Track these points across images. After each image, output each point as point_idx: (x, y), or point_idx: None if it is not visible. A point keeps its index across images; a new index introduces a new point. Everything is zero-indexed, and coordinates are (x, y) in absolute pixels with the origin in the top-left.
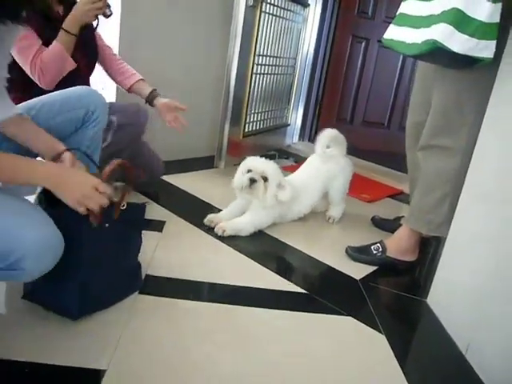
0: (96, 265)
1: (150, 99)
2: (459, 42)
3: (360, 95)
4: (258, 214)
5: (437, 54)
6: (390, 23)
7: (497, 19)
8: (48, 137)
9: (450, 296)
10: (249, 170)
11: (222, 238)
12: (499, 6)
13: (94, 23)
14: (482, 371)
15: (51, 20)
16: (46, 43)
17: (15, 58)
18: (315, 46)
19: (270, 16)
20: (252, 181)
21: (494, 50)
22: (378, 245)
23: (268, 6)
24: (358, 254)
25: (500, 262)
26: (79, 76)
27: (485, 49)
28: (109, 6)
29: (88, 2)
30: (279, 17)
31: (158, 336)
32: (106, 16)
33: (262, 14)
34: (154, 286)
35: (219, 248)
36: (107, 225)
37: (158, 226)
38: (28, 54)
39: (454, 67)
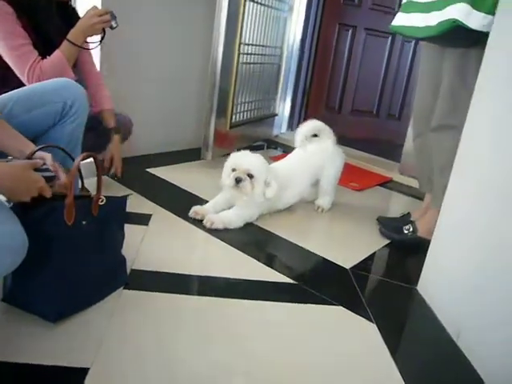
0: (75, 265)
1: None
2: (476, 20)
3: (348, 83)
4: (247, 207)
5: (452, 33)
6: (376, 10)
7: None
8: (18, 136)
9: (440, 283)
10: (233, 169)
11: (209, 231)
12: None
13: (100, 36)
14: (473, 358)
15: (49, 40)
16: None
17: (9, 62)
18: (302, 34)
19: (255, 4)
20: (237, 180)
21: None
22: (410, 225)
23: None
24: (391, 233)
25: (488, 248)
26: None
27: None
28: (114, 18)
29: (95, 15)
30: (264, 5)
31: (143, 332)
32: (112, 28)
33: (247, 2)
34: (140, 281)
35: (207, 240)
36: (84, 222)
37: (143, 219)
38: (27, 60)
39: (464, 45)
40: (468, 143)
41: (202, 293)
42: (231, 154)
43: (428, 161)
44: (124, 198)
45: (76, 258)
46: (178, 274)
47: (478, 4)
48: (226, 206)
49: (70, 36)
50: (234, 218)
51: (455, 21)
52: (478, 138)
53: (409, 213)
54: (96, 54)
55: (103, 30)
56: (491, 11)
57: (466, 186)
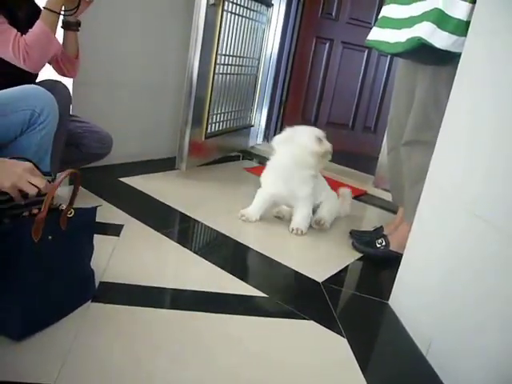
0: (39, 281)
1: (65, 24)
2: (441, 39)
3: (324, 96)
4: (308, 198)
5: (419, 50)
6: (353, 24)
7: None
8: None
9: (410, 297)
10: (319, 138)
11: (183, 243)
12: (475, 6)
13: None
14: (442, 372)
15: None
16: None
17: None
18: (279, 46)
19: (233, 15)
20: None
21: None
22: (382, 239)
23: (230, 4)
24: (364, 247)
25: (456, 261)
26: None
27: (462, 45)
28: None
29: None
30: (242, 16)
31: (109, 347)
32: None
33: (224, 13)
34: (109, 294)
35: (179, 252)
36: (50, 237)
37: (115, 229)
38: (7, 38)
39: (434, 63)
40: (440, 157)
41: (173, 306)
42: (307, 128)
43: (401, 175)
44: (93, 210)
45: (41, 274)
46: (149, 286)
47: (442, 23)
48: (268, 206)
49: (47, 4)
50: (306, 214)
51: (420, 39)
52: (450, 153)
53: (381, 226)
54: None
55: None
56: (456, 31)
57: (436, 200)
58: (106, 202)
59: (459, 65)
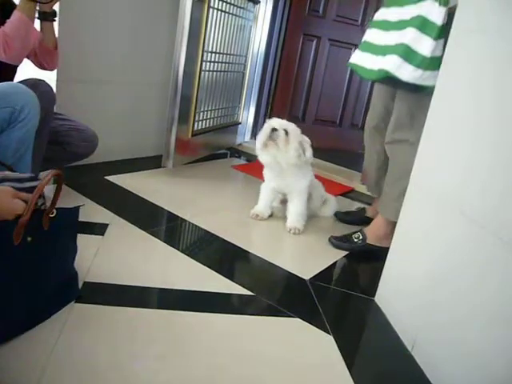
0: (21, 283)
1: (42, 15)
2: (407, 72)
3: (312, 93)
4: (301, 195)
5: (390, 80)
6: (340, 22)
7: (439, 53)
8: None
9: (396, 294)
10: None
11: (168, 241)
12: (441, 41)
13: None
14: (427, 368)
15: None
16: None
17: None
18: (266, 43)
19: (219, 12)
20: (273, 129)
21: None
22: (359, 233)
23: (216, 1)
24: (341, 242)
25: (441, 259)
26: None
27: (430, 78)
28: None
29: None
30: (228, 13)
31: (93, 348)
32: None
33: (210, 10)
34: (93, 294)
35: (165, 251)
36: (30, 239)
37: (99, 229)
38: None
39: (407, 90)
40: (425, 158)
41: (158, 306)
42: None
43: (374, 166)
44: (76, 209)
45: (21, 276)
46: (134, 286)
47: (409, 58)
48: (273, 200)
49: None
50: (300, 211)
51: (387, 72)
52: (434, 150)
53: (364, 208)
54: None
55: None
56: (421, 65)
57: (422, 199)
58: (90, 201)
59: (441, 66)
